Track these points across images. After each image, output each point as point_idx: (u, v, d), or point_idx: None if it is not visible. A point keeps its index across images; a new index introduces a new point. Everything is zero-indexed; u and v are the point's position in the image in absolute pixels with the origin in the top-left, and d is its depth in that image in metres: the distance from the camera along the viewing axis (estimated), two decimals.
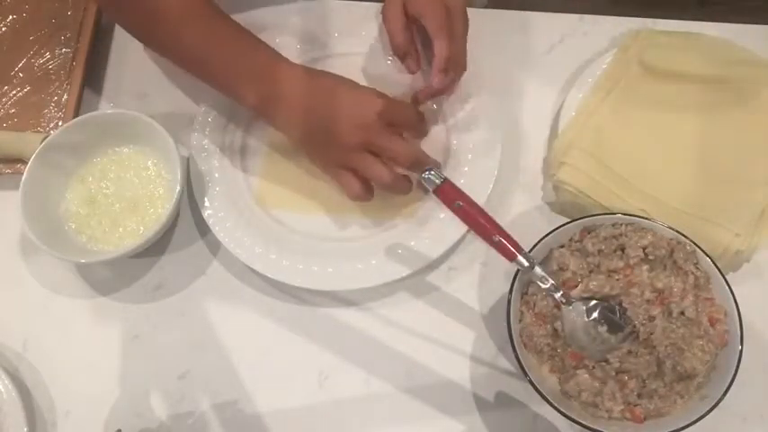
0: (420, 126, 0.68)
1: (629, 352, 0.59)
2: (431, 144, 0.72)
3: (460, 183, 0.65)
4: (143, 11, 0.65)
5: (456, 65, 0.69)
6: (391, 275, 0.66)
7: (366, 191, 0.64)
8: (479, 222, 0.60)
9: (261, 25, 0.79)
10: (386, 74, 0.77)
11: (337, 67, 0.77)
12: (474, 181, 0.69)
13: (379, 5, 0.79)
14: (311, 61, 0.77)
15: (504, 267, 0.67)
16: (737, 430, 0.62)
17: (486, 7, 0.81)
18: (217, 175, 0.71)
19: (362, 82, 0.76)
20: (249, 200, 0.71)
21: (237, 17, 0.68)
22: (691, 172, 0.68)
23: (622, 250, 0.62)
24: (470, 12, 0.79)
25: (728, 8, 0.78)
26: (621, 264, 0.62)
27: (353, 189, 0.64)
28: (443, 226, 0.67)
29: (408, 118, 0.66)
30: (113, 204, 0.70)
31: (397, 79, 0.76)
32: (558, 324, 0.60)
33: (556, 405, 0.56)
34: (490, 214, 0.60)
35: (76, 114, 0.75)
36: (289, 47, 0.77)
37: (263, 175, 0.72)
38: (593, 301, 0.60)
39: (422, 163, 0.63)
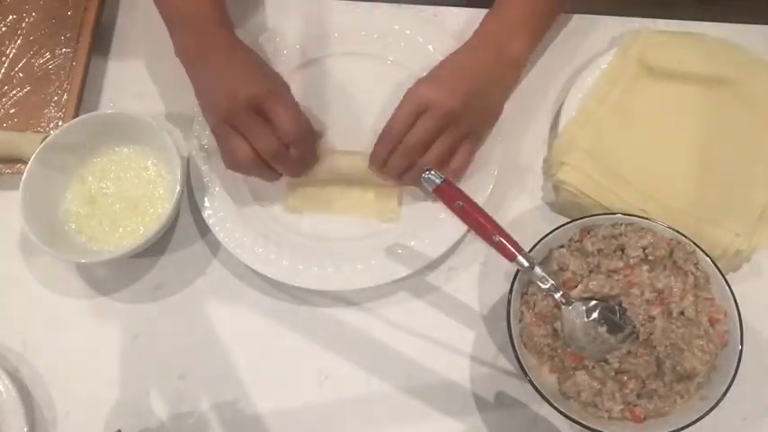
0: (294, 137, 0.64)
1: (629, 352, 0.59)
2: None
3: (460, 183, 0.65)
4: None
5: (400, 148, 0.65)
6: (391, 275, 0.66)
7: (235, 162, 0.66)
8: (479, 222, 0.60)
9: (261, 25, 0.79)
10: (385, 74, 0.77)
11: (337, 67, 0.78)
12: (474, 181, 0.69)
13: (379, 6, 0.79)
14: (311, 61, 0.78)
15: (504, 267, 0.67)
16: (737, 430, 0.62)
17: (487, 7, 0.80)
18: (216, 175, 0.71)
19: (362, 82, 0.77)
20: (249, 200, 0.71)
21: (238, 17, 0.69)
22: (690, 172, 0.68)
23: (622, 250, 0.62)
24: (472, 11, 0.80)
25: (728, 8, 0.78)
26: (621, 264, 0.62)
27: (224, 156, 0.66)
28: (443, 226, 0.67)
29: (281, 121, 0.64)
30: (113, 204, 0.70)
31: (396, 79, 0.76)
32: (557, 324, 0.60)
33: (556, 405, 0.56)
34: (490, 214, 0.60)
35: (76, 114, 0.75)
36: (289, 47, 0.78)
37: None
38: (593, 302, 0.60)
39: (278, 159, 0.65)
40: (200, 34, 0.68)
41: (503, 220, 0.69)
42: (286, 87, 0.67)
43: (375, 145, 0.66)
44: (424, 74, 0.74)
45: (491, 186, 0.69)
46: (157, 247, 0.70)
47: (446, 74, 0.67)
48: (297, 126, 0.64)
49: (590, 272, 0.62)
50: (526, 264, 0.58)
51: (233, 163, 0.66)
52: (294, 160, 0.66)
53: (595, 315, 0.60)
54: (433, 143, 0.65)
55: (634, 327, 0.60)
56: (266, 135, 0.64)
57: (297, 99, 0.75)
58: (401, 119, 0.65)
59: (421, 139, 0.64)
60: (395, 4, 0.80)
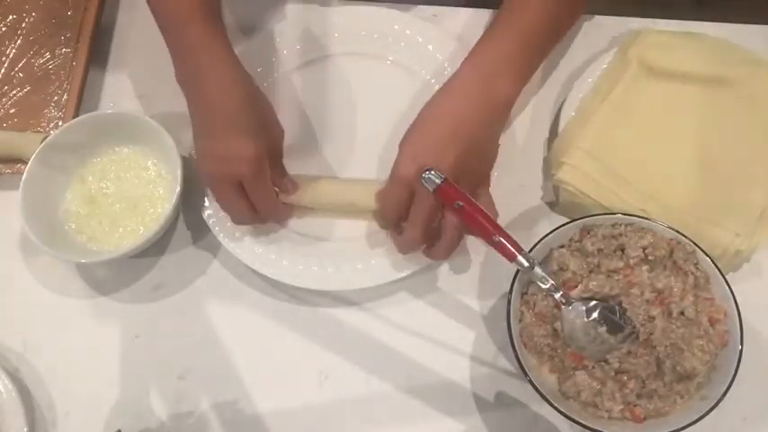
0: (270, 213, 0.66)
1: (629, 352, 0.59)
2: None
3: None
4: None
5: (407, 236, 0.63)
6: (391, 275, 0.66)
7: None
8: (479, 222, 0.60)
9: (262, 25, 0.79)
10: (385, 74, 0.77)
11: (337, 67, 0.78)
12: None
13: (379, 6, 0.79)
14: (311, 61, 0.78)
15: (504, 267, 0.67)
16: (737, 430, 0.62)
17: (487, 7, 0.80)
18: None
19: (362, 82, 0.77)
20: None
21: (238, 17, 0.68)
22: (690, 172, 0.68)
23: (622, 250, 0.62)
24: (472, 11, 0.80)
25: (728, 8, 0.78)
26: (621, 264, 0.62)
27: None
28: None
29: (262, 203, 0.64)
30: (113, 204, 0.70)
31: (395, 80, 0.76)
32: (557, 324, 0.60)
33: (556, 405, 0.56)
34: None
35: (76, 114, 0.75)
36: (289, 47, 0.78)
37: None
38: (593, 302, 0.60)
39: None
40: (196, 64, 0.64)
41: (503, 220, 0.68)
42: (273, 144, 0.66)
43: (400, 244, 0.64)
44: (425, 72, 0.74)
45: (491, 186, 0.69)
46: (157, 247, 0.70)
47: (430, 136, 0.62)
48: (269, 209, 0.66)
49: (590, 272, 0.62)
50: (526, 264, 0.58)
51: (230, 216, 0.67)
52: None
53: (595, 315, 0.60)
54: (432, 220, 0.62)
55: (634, 327, 0.60)
56: (235, 209, 0.64)
57: (297, 99, 0.76)
58: (393, 206, 0.63)
59: (420, 227, 0.61)
60: (395, 5, 0.80)
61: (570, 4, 0.70)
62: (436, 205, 0.60)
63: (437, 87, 0.73)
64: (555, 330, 0.60)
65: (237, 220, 0.66)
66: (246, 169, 0.61)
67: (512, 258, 0.58)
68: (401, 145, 0.63)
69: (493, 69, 0.64)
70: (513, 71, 0.64)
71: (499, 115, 0.65)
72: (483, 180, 0.66)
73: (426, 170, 0.61)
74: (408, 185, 0.61)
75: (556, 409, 0.56)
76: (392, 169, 0.63)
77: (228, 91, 0.63)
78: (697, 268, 0.61)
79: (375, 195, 0.66)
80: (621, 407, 0.58)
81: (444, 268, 0.69)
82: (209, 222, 0.69)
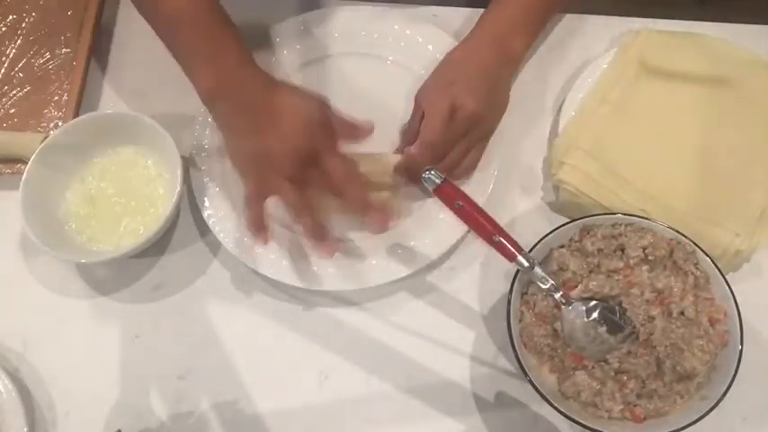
0: (344, 188, 0.62)
1: (629, 352, 0.59)
2: None
3: (460, 183, 0.65)
4: None
5: (445, 161, 0.66)
6: (391, 275, 0.66)
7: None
8: (479, 222, 0.60)
9: (261, 26, 0.79)
10: (385, 74, 0.77)
11: (337, 67, 0.78)
12: (474, 181, 0.69)
13: (379, 6, 0.79)
14: (311, 61, 0.78)
15: (504, 267, 0.67)
16: (737, 430, 0.62)
17: (485, 7, 0.80)
18: (216, 175, 0.71)
19: (362, 82, 0.77)
20: None
21: (238, 18, 0.68)
22: (691, 172, 0.68)
23: (622, 250, 0.62)
24: (472, 11, 0.80)
25: (728, 8, 0.78)
26: (621, 264, 0.62)
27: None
28: (443, 226, 0.67)
29: (321, 179, 0.61)
30: (113, 204, 0.70)
31: (395, 80, 0.76)
32: (557, 324, 0.60)
33: (556, 405, 0.56)
34: (490, 214, 0.60)
35: (76, 114, 0.75)
36: (289, 47, 0.78)
37: None
38: (593, 302, 0.60)
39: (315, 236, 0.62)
40: (235, 77, 0.64)
41: (503, 220, 0.69)
42: (328, 121, 0.63)
43: (412, 152, 0.65)
44: (425, 72, 0.74)
45: (491, 186, 0.69)
46: (157, 247, 0.70)
47: (459, 73, 0.68)
48: (347, 173, 0.62)
49: (590, 272, 0.62)
50: (526, 264, 0.58)
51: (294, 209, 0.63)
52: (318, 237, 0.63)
53: (595, 315, 0.60)
54: (454, 146, 0.66)
55: (634, 327, 0.60)
56: (296, 202, 0.61)
57: None
58: (439, 130, 0.65)
59: (451, 144, 0.66)
60: (395, 5, 0.80)
61: None
62: (463, 132, 0.66)
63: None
64: (555, 330, 0.60)
65: (300, 213, 0.62)
66: (316, 142, 0.61)
67: (512, 258, 0.58)
68: (421, 90, 0.69)
69: (504, 30, 0.70)
70: (521, 31, 0.71)
71: (511, 68, 0.72)
72: (489, 132, 0.70)
73: (426, 170, 0.61)
74: (450, 108, 0.64)
75: (556, 409, 0.56)
76: (425, 96, 0.68)
77: (275, 95, 0.63)
78: (697, 268, 0.61)
79: (421, 128, 0.66)
80: (621, 407, 0.58)
81: (444, 268, 0.69)
82: (209, 222, 0.69)
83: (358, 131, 0.65)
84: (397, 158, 0.67)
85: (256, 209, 0.63)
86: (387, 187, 0.69)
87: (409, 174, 0.67)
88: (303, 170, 0.61)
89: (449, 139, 0.66)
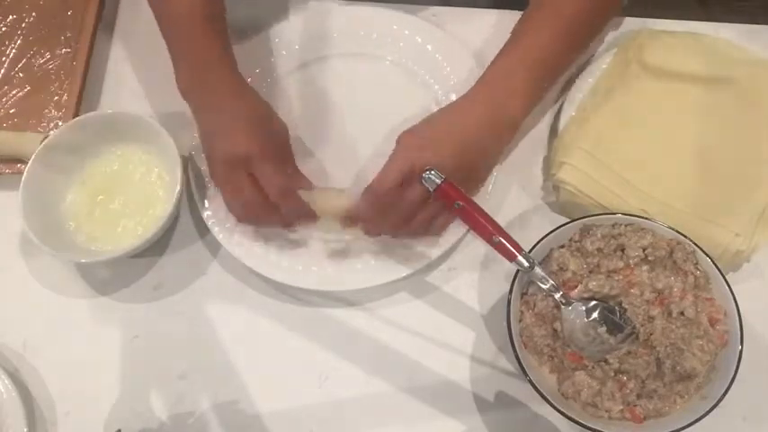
0: (277, 198, 0.63)
1: (629, 352, 0.59)
2: None
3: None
4: None
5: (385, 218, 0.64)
6: (391, 275, 0.66)
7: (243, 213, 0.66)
8: (479, 222, 0.60)
9: (261, 26, 0.79)
10: (384, 74, 0.77)
11: (336, 67, 0.78)
12: None
13: (378, 6, 0.79)
14: (310, 61, 0.78)
15: (504, 267, 0.67)
16: (737, 430, 0.62)
17: (488, 7, 0.80)
18: None
19: (361, 82, 0.77)
20: None
21: (237, 18, 0.68)
22: (691, 172, 0.68)
23: (622, 250, 0.62)
24: (471, 11, 0.79)
25: (729, 8, 0.78)
26: (621, 264, 0.62)
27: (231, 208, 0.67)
28: None
29: (266, 183, 0.63)
30: (113, 204, 0.70)
31: (394, 80, 0.76)
32: (557, 324, 0.60)
33: (556, 405, 0.56)
34: (490, 214, 0.60)
35: (76, 114, 0.75)
36: (288, 47, 0.78)
37: None
38: (593, 302, 0.60)
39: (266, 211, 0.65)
40: (205, 77, 0.67)
41: (503, 220, 0.69)
42: (282, 142, 0.68)
43: (360, 201, 0.63)
44: (424, 72, 0.74)
45: (491, 186, 0.69)
46: (157, 247, 0.70)
47: (444, 133, 0.63)
48: (280, 189, 0.63)
49: (590, 272, 0.62)
50: (526, 264, 0.58)
51: (236, 209, 0.67)
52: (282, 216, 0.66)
53: (595, 315, 0.60)
54: (419, 210, 0.63)
55: (634, 327, 0.60)
56: (252, 191, 0.64)
57: (296, 100, 0.76)
58: (388, 182, 0.61)
59: (407, 210, 0.62)
60: (394, 5, 0.80)
61: (582, 29, 0.70)
62: (423, 198, 0.62)
63: (436, 87, 0.73)
64: (555, 330, 0.60)
65: (250, 214, 0.66)
66: (255, 150, 0.63)
67: (512, 258, 0.58)
68: (400, 137, 0.64)
69: (503, 93, 0.65)
70: (522, 97, 0.65)
71: (501, 135, 0.66)
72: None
73: (427, 170, 0.61)
74: (409, 168, 0.61)
75: (556, 409, 0.56)
76: (396, 147, 0.63)
77: (235, 100, 0.66)
78: (697, 268, 0.61)
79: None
80: (621, 407, 0.58)
81: (444, 268, 0.69)
82: (209, 223, 0.69)
83: (299, 180, 0.67)
84: (352, 199, 0.64)
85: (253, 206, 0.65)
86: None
87: (355, 224, 0.65)
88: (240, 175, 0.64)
89: (409, 206, 0.62)
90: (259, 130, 0.65)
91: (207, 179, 0.71)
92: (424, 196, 0.62)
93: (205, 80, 0.67)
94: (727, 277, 0.59)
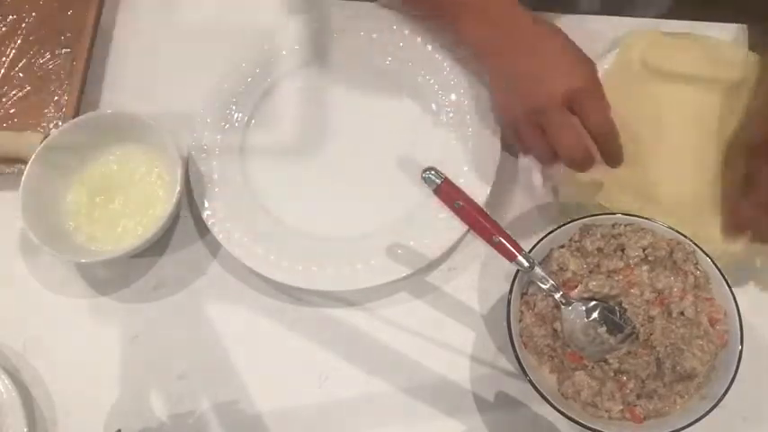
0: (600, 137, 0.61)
1: (629, 352, 0.59)
2: (430, 144, 0.72)
3: (460, 183, 0.65)
4: None
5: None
6: (391, 275, 0.66)
7: (550, 154, 0.62)
8: (479, 222, 0.60)
9: (261, 25, 0.79)
10: (384, 74, 0.77)
11: (336, 67, 0.78)
12: (474, 181, 0.69)
13: (378, 6, 0.79)
14: (310, 62, 0.78)
15: (504, 267, 0.67)
16: (737, 430, 0.62)
17: None
18: (216, 175, 0.71)
19: (361, 81, 0.77)
20: (249, 201, 0.71)
21: (236, 18, 0.68)
22: (691, 172, 0.68)
23: (622, 250, 0.62)
24: None
25: (729, 8, 0.78)
26: (621, 264, 0.62)
27: (538, 150, 0.63)
28: (443, 226, 0.67)
29: (602, 115, 0.60)
30: (113, 204, 0.70)
31: (394, 80, 0.76)
32: (557, 324, 0.60)
33: (556, 405, 0.56)
34: (490, 214, 0.60)
35: (76, 114, 0.75)
36: (288, 47, 0.78)
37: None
38: (593, 302, 0.60)
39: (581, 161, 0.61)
40: (501, 25, 0.65)
41: (503, 220, 0.69)
42: (594, 75, 0.64)
43: (737, 208, 0.63)
44: (424, 72, 0.74)
45: (491, 186, 0.69)
46: (157, 247, 0.70)
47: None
48: (606, 127, 0.61)
49: (590, 272, 0.62)
50: (526, 264, 0.58)
51: (569, 152, 0.61)
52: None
53: (595, 315, 0.60)
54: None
55: (634, 327, 0.60)
56: (571, 137, 0.60)
57: (296, 100, 0.76)
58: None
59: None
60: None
61: None
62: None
63: (436, 87, 0.73)
64: (555, 331, 0.60)
65: (575, 149, 0.60)
66: (576, 82, 0.60)
67: (512, 258, 0.58)
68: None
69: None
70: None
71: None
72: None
73: (427, 170, 0.61)
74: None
75: (556, 409, 0.56)
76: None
77: (543, 37, 0.64)
78: (697, 268, 0.61)
79: None
80: (621, 407, 0.58)
81: (444, 268, 0.69)
82: (209, 223, 0.69)
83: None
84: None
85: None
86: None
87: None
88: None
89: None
90: (575, 62, 0.63)
91: (207, 179, 0.71)
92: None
93: (501, 25, 0.64)
94: (726, 277, 0.59)
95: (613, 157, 0.62)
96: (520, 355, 0.58)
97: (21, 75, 0.78)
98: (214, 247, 0.71)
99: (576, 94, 0.60)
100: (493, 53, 0.66)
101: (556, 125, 0.61)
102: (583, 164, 0.61)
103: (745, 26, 0.78)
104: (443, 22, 0.69)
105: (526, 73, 0.64)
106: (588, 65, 0.64)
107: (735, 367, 0.56)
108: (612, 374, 0.59)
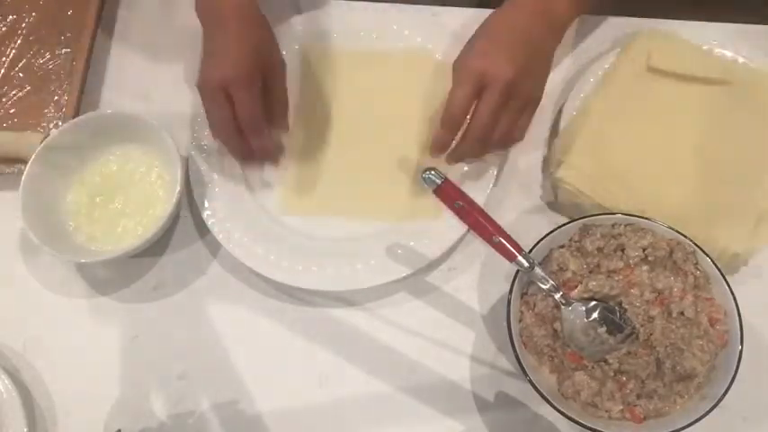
0: (251, 123, 0.66)
1: (629, 352, 0.59)
2: (431, 144, 0.72)
3: (460, 182, 0.65)
4: None
5: (470, 135, 0.65)
6: (391, 275, 0.66)
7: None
8: (479, 222, 0.60)
9: None
10: (384, 73, 0.77)
11: (336, 66, 0.77)
12: (474, 181, 0.69)
13: (377, 6, 0.79)
14: (309, 61, 0.78)
15: (504, 267, 0.67)
16: (737, 430, 0.62)
17: (488, 7, 0.80)
18: (216, 175, 0.71)
19: (360, 81, 0.77)
20: (249, 201, 0.71)
21: None
22: (690, 173, 0.68)
23: (622, 250, 0.62)
24: (471, 11, 0.79)
25: (729, 8, 0.78)
26: (621, 264, 0.62)
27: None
28: (443, 226, 0.67)
29: (244, 111, 0.65)
30: (113, 204, 0.70)
31: (393, 79, 0.76)
32: (557, 324, 0.60)
33: (556, 405, 0.56)
34: (490, 214, 0.60)
35: (76, 114, 0.75)
36: (288, 47, 0.77)
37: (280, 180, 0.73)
38: (593, 302, 0.60)
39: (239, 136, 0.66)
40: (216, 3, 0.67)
41: (503, 220, 0.68)
42: (274, 75, 0.68)
43: (438, 130, 0.65)
44: (424, 73, 0.74)
45: (491, 186, 0.69)
46: (157, 247, 0.70)
47: (497, 40, 0.64)
48: (251, 117, 0.66)
49: (590, 272, 0.62)
50: (526, 264, 0.58)
51: (211, 126, 0.68)
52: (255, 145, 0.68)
53: (595, 315, 0.60)
54: (497, 120, 0.63)
55: (634, 327, 0.60)
56: (218, 116, 0.66)
57: (296, 100, 0.76)
58: (462, 101, 0.62)
59: (488, 122, 0.63)
60: (393, 4, 0.80)
61: None
62: (499, 106, 0.62)
63: (436, 87, 0.73)
64: (555, 331, 0.60)
65: (219, 130, 0.67)
66: (241, 74, 0.64)
67: (512, 258, 0.58)
68: (456, 64, 0.65)
69: None
70: None
71: (554, 35, 0.68)
72: (530, 101, 0.66)
73: (426, 170, 0.61)
74: (477, 81, 0.62)
75: (555, 409, 0.56)
76: (457, 66, 0.64)
77: (240, 23, 0.66)
78: (697, 268, 0.61)
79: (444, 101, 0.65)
80: (621, 407, 0.58)
81: (444, 268, 0.69)
82: (209, 223, 0.69)
83: (278, 120, 0.70)
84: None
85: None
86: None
87: (441, 154, 0.67)
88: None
89: (488, 118, 0.63)
90: (252, 57, 0.65)
91: (207, 179, 0.71)
92: (500, 102, 0.62)
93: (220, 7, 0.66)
94: (726, 277, 0.59)
95: (251, 152, 0.69)
96: (520, 355, 0.58)
97: (21, 75, 0.78)
98: (214, 247, 0.71)
99: (232, 83, 0.64)
100: (204, 23, 0.68)
101: (219, 102, 0.65)
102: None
103: (745, 26, 0.78)
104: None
105: (208, 50, 0.67)
106: (264, 57, 0.67)
107: (735, 367, 0.56)
108: (612, 374, 0.59)
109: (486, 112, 0.63)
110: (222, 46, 0.65)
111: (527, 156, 0.73)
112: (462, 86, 0.63)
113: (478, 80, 0.62)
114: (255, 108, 0.66)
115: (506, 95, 0.62)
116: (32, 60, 0.79)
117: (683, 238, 0.61)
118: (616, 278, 0.61)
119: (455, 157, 0.68)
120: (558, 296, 0.59)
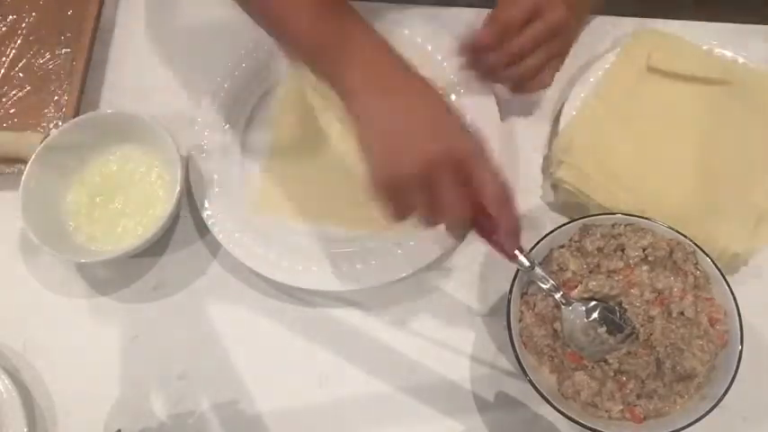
0: (499, 199, 0.54)
1: (629, 352, 0.59)
2: None
3: None
4: None
5: (506, 47, 0.62)
6: (391, 275, 0.66)
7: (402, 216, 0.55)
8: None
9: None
10: None
11: None
12: None
13: (377, 6, 0.79)
14: None
15: (504, 267, 0.67)
16: (737, 430, 0.62)
17: (487, 7, 0.80)
18: (216, 175, 0.71)
19: None
20: (249, 201, 0.71)
21: (237, 19, 0.68)
22: (690, 173, 0.68)
23: (622, 250, 0.62)
24: (471, 11, 0.79)
25: (729, 8, 0.78)
26: (621, 264, 0.62)
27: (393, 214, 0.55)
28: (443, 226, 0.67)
29: (486, 185, 0.53)
30: (113, 204, 0.70)
31: None
32: (557, 324, 0.60)
33: (556, 405, 0.56)
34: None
35: (76, 114, 0.75)
36: None
37: (264, 179, 0.73)
38: (593, 302, 0.60)
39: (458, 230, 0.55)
40: (373, 68, 0.57)
41: None
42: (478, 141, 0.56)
43: (480, 30, 0.63)
44: (423, 73, 0.74)
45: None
46: (157, 247, 0.70)
47: None
48: (504, 191, 0.54)
49: (590, 272, 0.62)
50: (526, 264, 0.58)
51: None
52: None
53: (595, 315, 0.59)
54: (535, 50, 0.62)
55: (634, 327, 0.60)
56: (455, 207, 0.54)
57: (290, 100, 0.75)
58: (515, 15, 0.61)
59: (527, 44, 0.62)
60: (393, 4, 0.80)
61: None
62: (545, 38, 0.62)
63: (436, 87, 0.73)
64: (555, 331, 0.60)
65: (455, 221, 0.55)
66: (471, 145, 0.54)
67: (512, 258, 0.58)
68: None
69: None
70: None
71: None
72: (567, 49, 0.66)
73: None
74: (533, 8, 0.61)
75: (556, 409, 0.56)
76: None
77: (426, 96, 0.57)
78: (697, 268, 0.61)
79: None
80: (621, 407, 0.58)
81: (444, 268, 0.69)
82: (209, 223, 0.69)
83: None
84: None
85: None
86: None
87: (473, 62, 0.65)
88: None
89: (531, 42, 0.62)
90: (460, 128, 0.55)
91: (207, 179, 0.71)
92: (545, 35, 0.61)
93: (373, 67, 0.56)
94: (726, 277, 0.59)
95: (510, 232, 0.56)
96: (520, 355, 0.58)
97: (21, 75, 0.78)
98: (214, 247, 0.71)
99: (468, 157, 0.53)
100: (362, 97, 0.56)
101: (442, 187, 0.53)
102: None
103: (745, 26, 0.78)
104: (323, 67, 0.60)
105: (401, 127, 0.55)
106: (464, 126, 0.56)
107: (735, 367, 0.56)
108: (612, 374, 0.59)
109: (531, 35, 0.62)
110: (430, 117, 0.55)
111: (527, 156, 0.73)
112: (517, 5, 0.62)
113: (532, 8, 0.62)
114: (503, 178, 0.55)
115: (552, 33, 0.62)
116: (32, 60, 0.79)
117: (683, 238, 0.61)
118: (616, 278, 0.61)
119: (481, 68, 0.65)
120: (558, 296, 0.59)
